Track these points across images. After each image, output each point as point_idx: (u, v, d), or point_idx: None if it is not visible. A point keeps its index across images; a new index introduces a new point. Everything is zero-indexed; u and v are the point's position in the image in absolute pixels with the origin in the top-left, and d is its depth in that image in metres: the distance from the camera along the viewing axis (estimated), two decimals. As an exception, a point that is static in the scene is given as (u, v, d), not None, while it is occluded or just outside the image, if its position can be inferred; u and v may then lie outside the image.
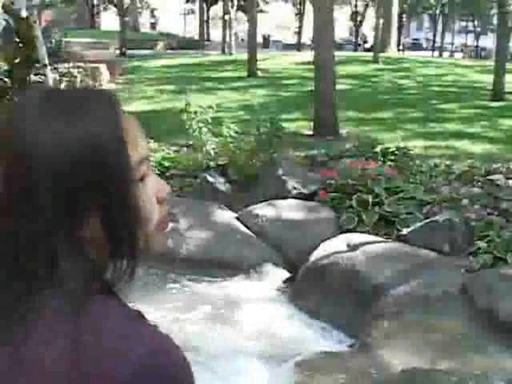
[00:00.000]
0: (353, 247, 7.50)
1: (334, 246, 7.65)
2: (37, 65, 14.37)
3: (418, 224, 8.07)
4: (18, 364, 1.00)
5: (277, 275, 8.11)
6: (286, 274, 8.11)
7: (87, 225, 1.06)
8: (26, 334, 1.01)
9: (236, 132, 11.15)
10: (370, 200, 8.57)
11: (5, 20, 16.88)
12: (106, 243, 1.08)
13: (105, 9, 65.35)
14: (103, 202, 1.06)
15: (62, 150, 1.03)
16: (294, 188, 9.40)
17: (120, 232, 1.08)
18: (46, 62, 12.80)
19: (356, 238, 7.85)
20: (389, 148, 11.27)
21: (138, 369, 0.99)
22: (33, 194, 1.03)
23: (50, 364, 0.99)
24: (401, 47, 49.49)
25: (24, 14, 15.65)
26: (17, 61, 15.83)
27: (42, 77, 13.77)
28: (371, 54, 29.82)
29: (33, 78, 15.90)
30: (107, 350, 0.99)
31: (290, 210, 8.88)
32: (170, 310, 7.17)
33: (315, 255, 7.58)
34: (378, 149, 11.29)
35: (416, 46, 60.40)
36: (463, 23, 63.33)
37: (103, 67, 23.28)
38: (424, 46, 60.53)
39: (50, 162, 1.03)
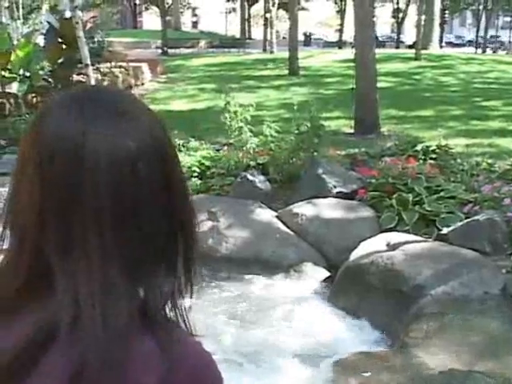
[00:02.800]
0: (393, 247, 7.46)
1: (373, 246, 7.61)
2: (79, 65, 14.54)
3: (459, 223, 8.00)
4: None
5: (316, 274, 8.11)
6: (326, 273, 8.10)
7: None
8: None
9: (277, 131, 11.16)
10: (411, 199, 8.52)
11: (48, 22, 17.12)
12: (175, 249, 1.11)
13: (146, 9, 65.79)
14: (172, 202, 1.09)
15: (119, 154, 1.03)
16: (334, 187, 9.38)
17: (187, 232, 1.12)
18: (88, 62, 12.93)
19: (396, 237, 7.80)
20: (430, 146, 11.21)
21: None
22: (89, 196, 1.02)
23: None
24: (444, 43, 48.92)
25: (68, 14, 15.85)
26: (60, 61, 16.05)
27: (85, 76, 13.92)
28: (413, 51, 29.64)
29: (75, 77, 16.11)
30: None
31: (329, 208, 8.87)
32: (209, 308, 7.21)
33: (355, 254, 7.55)
34: (418, 147, 11.24)
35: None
36: (507, 18, 62.46)
37: (145, 66, 23.49)
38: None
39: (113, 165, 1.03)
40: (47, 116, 1.07)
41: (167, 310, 1.09)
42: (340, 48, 43.41)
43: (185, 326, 1.11)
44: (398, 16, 52.74)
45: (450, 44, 56.57)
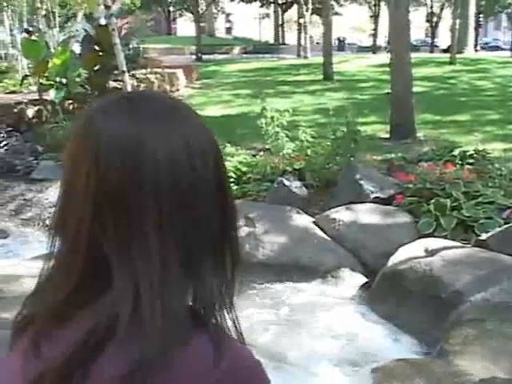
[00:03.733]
0: (431, 252, 7.40)
1: (411, 251, 7.56)
2: (115, 72, 14.63)
3: (498, 229, 7.92)
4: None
5: (353, 280, 8.08)
6: (363, 279, 8.07)
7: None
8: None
9: (313, 136, 11.15)
10: (448, 204, 8.46)
11: (83, 29, 17.27)
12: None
13: (181, 15, 66.05)
14: (223, 202, 1.10)
15: (177, 151, 1.05)
16: (372, 192, 9.35)
17: (234, 234, 1.13)
18: (125, 68, 12.99)
19: (434, 243, 7.75)
20: (467, 151, 11.13)
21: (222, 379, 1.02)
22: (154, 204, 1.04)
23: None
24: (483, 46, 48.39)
25: (103, 22, 15.97)
26: (96, 68, 16.18)
27: (121, 83, 14.00)
28: (447, 55, 29.44)
29: (111, 84, 16.23)
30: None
31: (367, 214, 8.83)
32: (246, 313, 7.20)
33: (393, 260, 7.51)
34: (455, 152, 11.15)
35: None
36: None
37: (180, 72, 23.57)
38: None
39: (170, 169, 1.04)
40: (96, 119, 1.07)
41: (216, 313, 1.09)
42: (374, 53, 43.23)
43: (235, 329, 1.11)
44: (433, 20, 52.46)
45: (496, 48, 54.68)
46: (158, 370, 0.99)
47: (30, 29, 23.84)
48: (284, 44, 57.45)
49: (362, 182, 9.50)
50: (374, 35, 50.70)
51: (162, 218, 1.03)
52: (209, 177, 1.07)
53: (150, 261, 1.02)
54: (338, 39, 53.60)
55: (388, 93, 15.43)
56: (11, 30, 26.88)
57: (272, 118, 11.03)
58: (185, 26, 65.19)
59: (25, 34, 21.63)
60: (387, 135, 14.52)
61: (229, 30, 76.65)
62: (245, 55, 44.11)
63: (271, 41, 61.68)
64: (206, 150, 1.08)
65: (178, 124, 1.07)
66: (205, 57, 37.00)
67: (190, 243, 1.05)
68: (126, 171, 1.03)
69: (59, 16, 25.94)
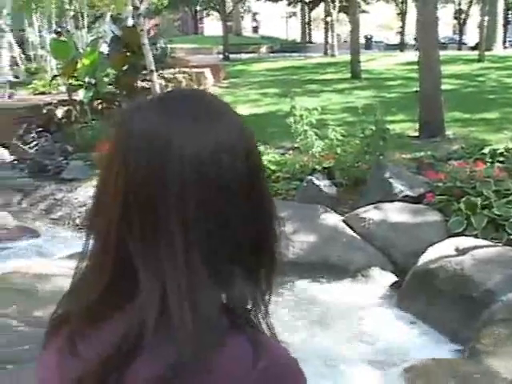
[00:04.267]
0: (462, 251, 7.35)
1: (442, 250, 7.52)
2: (144, 71, 14.71)
3: (529, 228, 7.86)
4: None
5: (383, 279, 8.05)
6: (393, 278, 8.03)
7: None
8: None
9: (342, 135, 11.13)
10: (479, 203, 8.39)
11: (111, 31, 17.40)
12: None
13: (208, 15, 66.17)
14: (255, 202, 1.08)
15: (205, 150, 1.04)
16: (401, 191, 9.30)
17: (269, 238, 1.11)
18: (153, 68, 13.07)
19: (464, 242, 7.70)
20: (497, 149, 11.03)
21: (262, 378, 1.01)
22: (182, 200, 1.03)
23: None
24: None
25: (130, 23, 16.08)
26: (124, 68, 16.28)
27: (149, 83, 14.08)
28: (476, 52, 29.23)
29: (139, 84, 16.32)
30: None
31: (396, 213, 8.80)
32: (275, 312, 7.17)
33: (423, 259, 7.46)
34: (485, 150, 11.07)
35: None
36: None
37: (207, 71, 23.62)
38: None
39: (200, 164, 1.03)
40: (127, 119, 1.09)
41: (250, 317, 1.08)
42: (401, 51, 42.99)
43: (269, 330, 1.10)
44: (460, 17, 52.07)
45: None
46: (194, 373, 0.98)
47: (59, 30, 24.06)
48: (311, 42, 57.39)
49: (391, 180, 9.46)
50: (402, 33, 50.44)
51: (187, 217, 1.02)
52: (238, 175, 1.05)
53: (176, 261, 1.01)
54: (365, 37, 53.33)
55: (416, 91, 15.36)
56: (40, 32, 27.12)
57: (301, 116, 11.03)
58: (212, 25, 65.28)
59: (54, 35, 21.80)
60: (416, 133, 14.45)
61: (256, 29, 76.65)
62: (272, 54, 44.08)
63: (298, 39, 61.60)
64: (236, 148, 1.06)
65: (209, 122, 1.06)
66: (232, 56, 37.02)
67: (216, 242, 1.04)
68: (152, 170, 1.03)
69: (87, 16, 26.10)
